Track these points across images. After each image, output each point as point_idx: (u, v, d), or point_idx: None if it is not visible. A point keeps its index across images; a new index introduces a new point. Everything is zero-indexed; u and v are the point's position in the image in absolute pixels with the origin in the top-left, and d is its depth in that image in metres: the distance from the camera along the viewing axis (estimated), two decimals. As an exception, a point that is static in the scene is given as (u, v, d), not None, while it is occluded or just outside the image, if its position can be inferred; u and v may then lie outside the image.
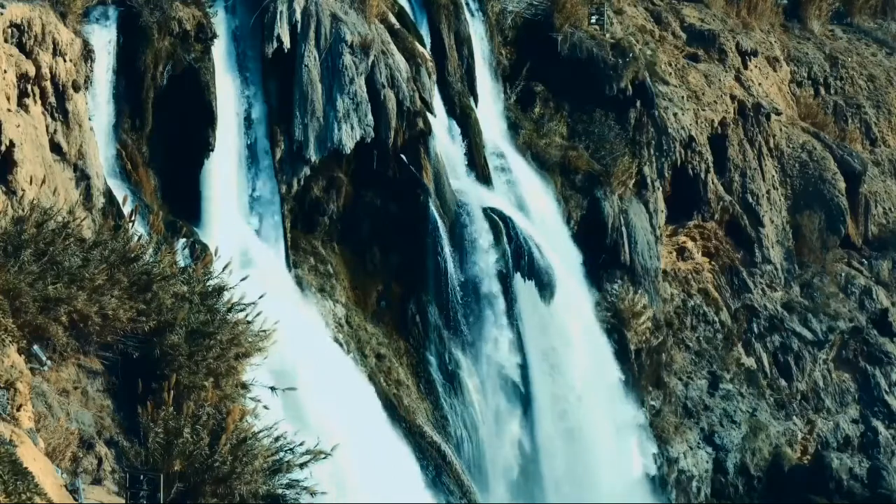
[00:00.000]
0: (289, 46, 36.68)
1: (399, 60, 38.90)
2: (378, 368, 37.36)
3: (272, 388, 20.49)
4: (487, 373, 39.26)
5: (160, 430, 17.27)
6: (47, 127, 29.56)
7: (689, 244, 48.77)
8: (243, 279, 21.31)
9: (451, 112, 41.54)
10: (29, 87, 28.99)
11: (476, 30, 44.23)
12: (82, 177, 30.45)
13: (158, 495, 16.71)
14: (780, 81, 55.95)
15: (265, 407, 19.74)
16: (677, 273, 48.35)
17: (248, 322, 19.99)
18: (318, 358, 33.97)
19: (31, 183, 26.96)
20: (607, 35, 48.04)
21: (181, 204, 34.27)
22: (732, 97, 51.09)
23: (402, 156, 38.23)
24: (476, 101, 42.82)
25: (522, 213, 41.74)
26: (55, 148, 29.74)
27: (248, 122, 36.53)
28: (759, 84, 53.69)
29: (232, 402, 18.82)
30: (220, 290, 20.44)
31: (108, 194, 31.30)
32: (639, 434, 43.37)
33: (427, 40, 41.74)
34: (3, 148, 26.87)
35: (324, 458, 18.43)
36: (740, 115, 51.14)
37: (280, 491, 18.11)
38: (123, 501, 16.97)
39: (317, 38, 37.26)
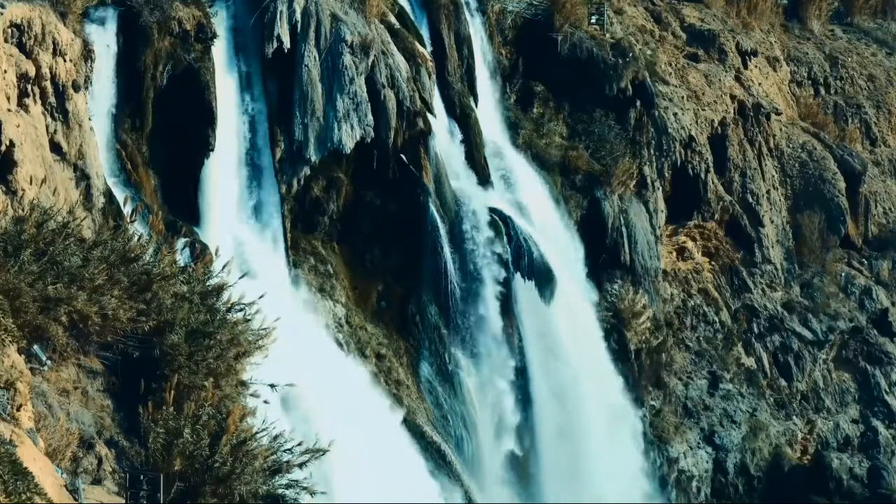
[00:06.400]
0: (289, 46, 36.68)
1: (399, 60, 38.91)
2: (378, 368, 37.35)
3: (272, 385, 20.51)
4: (487, 373, 39.26)
5: (160, 430, 17.26)
6: (47, 127, 29.57)
7: (689, 244, 48.75)
8: (242, 277, 21.32)
9: (451, 112, 41.53)
10: (29, 87, 28.99)
11: (476, 30, 44.22)
12: (82, 177, 30.46)
13: (158, 495, 16.69)
14: (780, 81, 55.94)
15: (265, 402, 19.74)
16: (677, 273, 48.33)
17: (248, 320, 19.99)
18: (318, 358, 33.97)
19: (31, 183, 26.96)
20: (607, 35, 48.04)
21: (181, 204, 34.26)
22: (732, 97, 51.09)
23: (402, 156, 38.23)
24: (476, 101, 42.81)
25: (522, 213, 41.73)
26: (55, 148, 29.74)
27: (248, 122, 36.52)
28: (759, 84, 53.68)
29: (232, 402, 18.81)
30: (219, 289, 20.44)
31: (108, 194, 31.31)
32: (637, 433, 43.37)
33: (427, 40, 41.74)
34: (3, 148, 26.87)
35: (321, 455, 18.44)
36: (740, 115, 51.12)
37: (280, 491, 18.10)
38: (123, 501, 16.96)
39: (317, 38, 37.26)
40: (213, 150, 34.49)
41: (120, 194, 31.73)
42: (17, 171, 27.05)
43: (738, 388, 47.37)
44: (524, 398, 39.91)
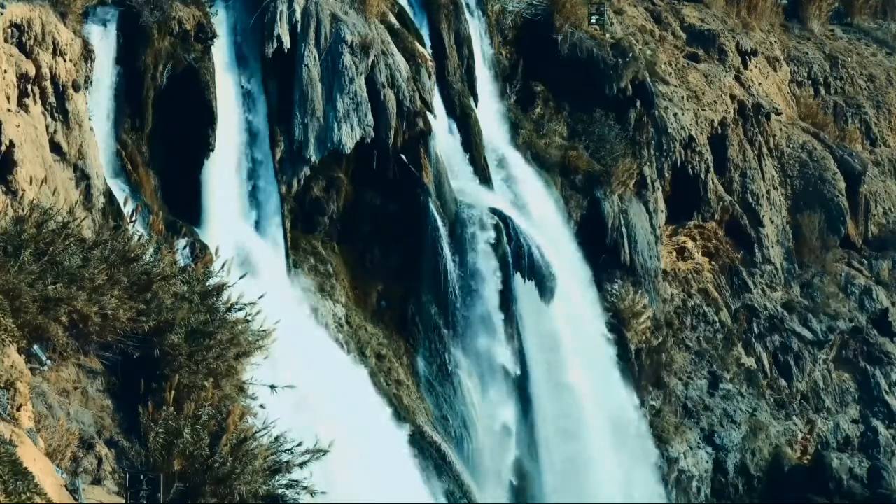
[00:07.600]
0: (289, 46, 36.68)
1: (399, 60, 38.90)
2: (378, 368, 37.35)
3: (272, 387, 20.49)
4: (487, 373, 39.25)
5: (160, 430, 17.24)
6: (47, 127, 29.56)
7: (689, 244, 48.76)
8: (242, 277, 21.32)
9: (451, 112, 41.54)
10: (29, 87, 28.99)
11: (476, 30, 44.23)
12: (82, 177, 30.46)
13: (158, 495, 16.69)
14: (780, 81, 55.96)
15: (261, 406, 19.73)
16: (677, 273, 48.34)
17: (248, 321, 19.98)
18: (318, 358, 33.96)
19: (31, 183, 26.95)
20: (607, 35, 48.04)
21: (181, 204, 34.26)
22: (732, 97, 51.10)
23: (402, 156, 38.23)
24: (476, 101, 42.81)
25: (522, 213, 41.73)
26: (55, 148, 29.74)
27: (248, 122, 36.53)
28: (759, 84, 53.70)
29: (232, 402, 18.80)
30: (219, 289, 20.43)
31: (108, 194, 31.30)
32: (640, 432, 43.38)
33: (427, 40, 41.75)
34: (3, 148, 26.86)
35: (322, 455, 18.42)
36: (740, 115, 51.14)
37: (280, 491, 18.09)
38: (123, 501, 16.96)
39: (317, 38, 37.26)
40: (213, 150, 34.48)
41: (120, 194, 31.73)
42: (17, 171, 27.04)
43: (738, 388, 47.38)
44: (524, 398, 39.91)
